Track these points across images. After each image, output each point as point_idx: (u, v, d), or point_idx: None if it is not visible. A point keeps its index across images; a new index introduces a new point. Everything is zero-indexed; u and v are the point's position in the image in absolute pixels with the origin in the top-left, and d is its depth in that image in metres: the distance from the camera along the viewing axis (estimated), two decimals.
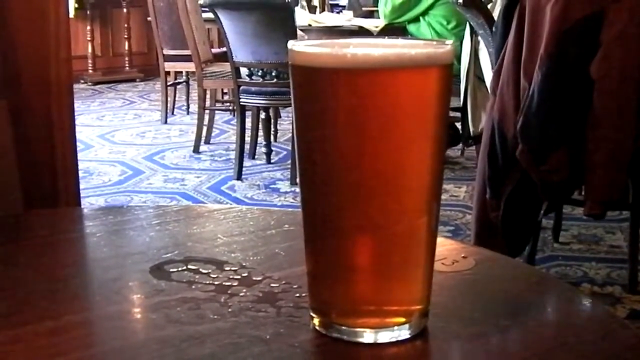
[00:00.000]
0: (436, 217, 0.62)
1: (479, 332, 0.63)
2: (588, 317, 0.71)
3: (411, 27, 4.67)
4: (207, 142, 5.22)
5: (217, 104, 5.80)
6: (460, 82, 3.56)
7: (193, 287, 0.71)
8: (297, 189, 3.90)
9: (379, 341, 0.60)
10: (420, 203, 0.61)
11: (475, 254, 0.80)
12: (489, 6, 3.28)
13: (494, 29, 2.73)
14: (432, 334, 0.62)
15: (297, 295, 0.68)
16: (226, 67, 4.49)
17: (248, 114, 4.57)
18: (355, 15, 5.39)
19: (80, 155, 1.55)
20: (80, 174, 1.31)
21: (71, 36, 1.26)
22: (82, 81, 8.17)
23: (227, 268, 0.75)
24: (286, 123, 5.57)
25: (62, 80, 1.20)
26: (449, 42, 0.61)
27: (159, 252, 0.80)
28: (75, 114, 1.25)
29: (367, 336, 0.60)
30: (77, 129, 1.27)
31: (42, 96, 1.19)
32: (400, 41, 0.63)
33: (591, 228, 3.42)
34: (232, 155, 4.57)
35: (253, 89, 4.18)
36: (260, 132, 4.69)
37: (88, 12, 8.29)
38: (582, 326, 0.68)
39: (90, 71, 8.34)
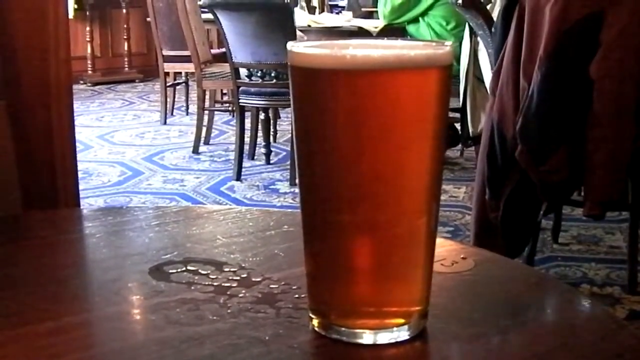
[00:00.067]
0: (435, 218, 0.62)
1: (478, 333, 0.63)
2: (587, 318, 0.71)
3: (410, 28, 4.68)
4: (207, 142, 5.23)
5: (217, 105, 5.81)
6: (459, 82, 3.56)
7: (192, 288, 0.71)
8: (297, 190, 3.89)
9: (378, 342, 0.60)
10: (420, 204, 0.61)
11: (474, 254, 0.80)
12: (488, 7, 3.29)
13: (493, 29, 2.73)
14: (431, 335, 0.62)
15: (297, 296, 0.68)
16: (225, 67, 4.49)
17: (247, 114, 4.57)
18: (355, 16, 5.39)
19: (79, 156, 1.55)
20: (80, 174, 1.31)
21: (70, 37, 1.26)
22: (81, 82, 8.17)
23: (227, 269, 0.75)
24: (285, 124, 5.58)
25: (62, 81, 1.20)
26: (448, 43, 0.61)
27: (158, 253, 0.80)
28: (75, 114, 1.25)
29: (367, 337, 0.60)
30: (77, 129, 1.27)
31: (42, 96, 1.19)
32: (399, 42, 0.63)
33: (591, 229, 3.42)
34: (232, 155, 4.57)
35: (252, 89, 4.18)
36: (260, 133, 4.69)
37: (87, 13, 8.30)
38: (582, 327, 0.68)
39: (90, 72, 8.34)
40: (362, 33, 4.56)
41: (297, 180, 3.70)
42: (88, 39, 8.29)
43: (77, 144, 1.28)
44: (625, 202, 2.60)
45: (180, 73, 6.19)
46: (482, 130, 2.71)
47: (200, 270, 0.75)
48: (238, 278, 0.73)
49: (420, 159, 0.60)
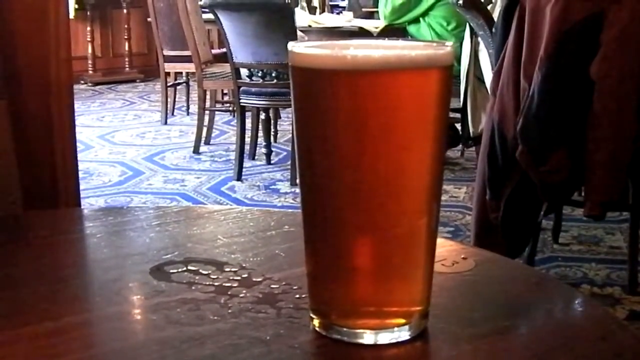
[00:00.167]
0: (436, 218, 0.62)
1: (479, 333, 0.63)
2: (587, 318, 0.71)
3: (411, 28, 4.68)
4: (207, 142, 5.23)
5: (217, 105, 5.81)
6: (460, 83, 3.56)
7: (193, 288, 0.71)
8: (297, 190, 3.90)
9: (379, 342, 0.60)
10: (420, 204, 0.61)
11: (475, 255, 0.80)
12: (488, 7, 3.29)
13: (493, 30, 2.73)
14: (432, 335, 0.62)
15: (297, 296, 0.68)
16: (226, 67, 4.49)
17: (248, 114, 4.57)
18: (355, 16, 5.39)
19: (80, 156, 1.54)
20: (80, 174, 1.31)
21: (71, 37, 1.26)
22: (82, 82, 8.17)
23: (227, 269, 0.75)
24: (286, 124, 5.58)
25: (62, 81, 1.20)
26: (449, 43, 0.61)
27: (159, 253, 0.80)
28: (75, 114, 1.25)
29: (367, 337, 0.60)
30: (77, 129, 1.27)
31: (42, 96, 1.19)
32: (400, 42, 0.63)
33: (591, 229, 3.42)
34: (232, 156, 4.57)
35: (253, 89, 4.18)
36: (260, 133, 4.70)
37: (88, 13, 8.30)
38: (582, 327, 0.68)
39: (91, 72, 8.34)
40: (362, 33, 4.57)
41: (297, 181, 3.70)
42: (89, 39, 8.29)
43: (78, 144, 1.28)
44: (625, 203, 2.60)
45: (181, 73, 6.19)
46: (482, 130, 2.71)
47: (201, 270, 0.75)
48: (239, 278, 0.73)
49: (420, 159, 0.60)
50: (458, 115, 3.67)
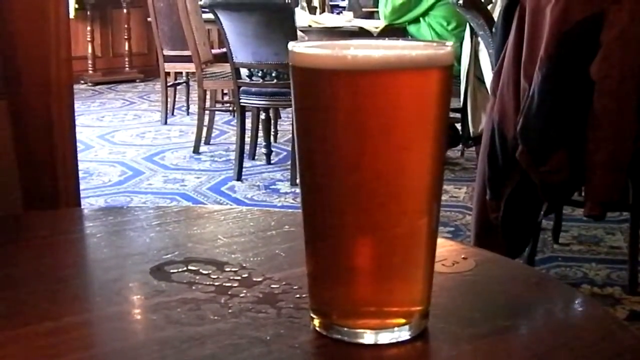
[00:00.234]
0: (436, 218, 0.62)
1: (479, 333, 0.63)
2: (587, 318, 0.71)
3: (411, 28, 4.68)
4: (207, 142, 5.23)
5: (217, 105, 5.81)
6: (460, 83, 3.56)
7: (193, 288, 0.71)
8: (297, 190, 3.90)
9: (379, 342, 0.60)
10: (421, 204, 0.61)
11: (475, 255, 0.80)
12: (489, 7, 3.29)
13: (494, 30, 2.73)
14: (432, 335, 0.62)
15: (298, 296, 0.68)
16: (226, 67, 4.49)
17: (248, 114, 4.57)
18: (356, 16, 5.39)
19: (80, 156, 1.54)
20: (80, 174, 1.31)
21: (71, 37, 1.26)
22: (82, 82, 8.17)
23: (228, 269, 0.75)
24: (286, 124, 5.58)
25: (62, 81, 1.20)
26: (449, 43, 0.61)
27: (159, 253, 0.80)
28: (76, 114, 1.25)
29: (368, 337, 0.60)
30: (77, 129, 1.27)
31: (42, 96, 1.19)
32: (400, 42, 0.63)
33: (591, 229, 3.42)
34: (232, 156, 4.57)
35: (253, 89, 4.18)
36: (260, 133, 4.70)
37: (88, 13, 8.30)
38: (582, 327, 0.68)
39: (90, 72, 8.34)
40: (363, 33, 4.57)
41: (297, 181, 3.70)
42: (89, 39, 8.29)
43: (78, 144, 1.28)
44: (625, 203, 2.60)
45: (181, 73, 6.20)
46: (482, 130, 2.71)
47: (201, 270, 0.75)
48: (239, 278, 0.73)
49: (421, 159, 0.60)
50: (458, 115, 3.67)
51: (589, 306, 0.73)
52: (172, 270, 0.75)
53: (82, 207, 1.64)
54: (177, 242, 0.86)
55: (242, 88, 4.20)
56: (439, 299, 0.66)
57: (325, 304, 0.62)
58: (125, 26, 8.48)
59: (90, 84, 8.24)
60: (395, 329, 0.61)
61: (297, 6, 5.04)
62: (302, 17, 4.76)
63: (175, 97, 6.33)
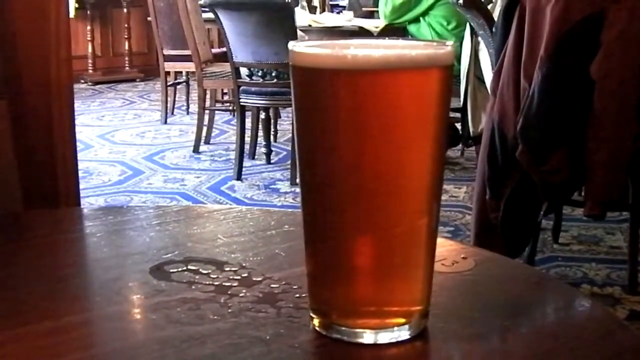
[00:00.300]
0: (436, 218, 0.62)
1: (478, 332, 0.63)
2: (587, 318, 0.71)
3: (411, 28, 4.68)
4: (207, 142, 5.23)
5: (217, 104, 5.81)
6: (460, 82, 3.56)
7: (193, 287, 0.71)
8: (297, 190, 3.90)
9: (379, 342, 0.60)
10: (421, 204, 0.61)
11: (475, 254, 0.80)
12: (489, 7, 3.29)
13: (494, 29, 2.73)
14: (432, 335, 0.62)
15: (297, 295, 0.68)
16: (226, 67, 4.49)
17: (248, 114, 4.57)
18: (356, 16, 5.39)
19: (80, 155, 1.55)
20: (80, 173, 1.31)
21: (71, 36, 1.26)
22: (82, 81, 8.17)
23: (227, 268, 0.75)
24: (286, 123, 5.58)
25: (62, 80, 1.20)
26: (450, 43, 0.61)
27: (159, 252, 0.80)
28: (75, 113, 1.25)
29: (367, 337, 0.60)
30: (77, 128, 1.27)
31: (42, 96, 1.19)
32: (400, 42, 0.63)
33: (591, 229, 3.42)
34: (232, 155, 4.57)
35: (253, 89, 4.18)
36: (260, 133, 4.70)
37: (88, 12, 8.30)
38: (582, 327, 0.68)
39: (91, 71, 8.34)
40: (363, 33, 4.57)
41: (297, 180, 3.70)
42: (89, 38, 8.29)
43: (78, 143, 1.28)
44: (625, 202, 2.60)
45: (181, 72, 6.19)
46: (482, 130, 2.71)
47: (201, 270, 0.75)
48: (239, 277, 0.73)
49: (421, 158, 0.60)
50: (458, 115, 3.67)
51: (589, 306, 0.73)
52: (171, 270, 0.75)
53: (82, 206, 1.64)
54: (177, 241, 0.86)
55: (242, 87, 4.19)
56: (439, 298, 0.66)
57: (324, 304, 0.62)
58: (125, 25, 8.48)
59: (90, 84, 8.24)
60: (395, 328, 0.61)
61: (297, 6, 5.04)
62: (302, 17, 4.76)
63: (175, 96, 6.33)
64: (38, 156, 1.19)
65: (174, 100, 6.33)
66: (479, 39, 3.31)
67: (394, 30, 4.60)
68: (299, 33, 4.50)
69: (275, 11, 3.96)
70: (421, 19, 4.62)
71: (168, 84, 5.99)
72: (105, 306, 0.69)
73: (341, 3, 7.60)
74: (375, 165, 0.59)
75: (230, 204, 3.83)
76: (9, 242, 0.86)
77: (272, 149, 4.76)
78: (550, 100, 2.20)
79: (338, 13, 6.31)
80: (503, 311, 0.68)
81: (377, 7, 5.46)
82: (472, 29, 3.43)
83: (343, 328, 0.61)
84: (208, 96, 5.39)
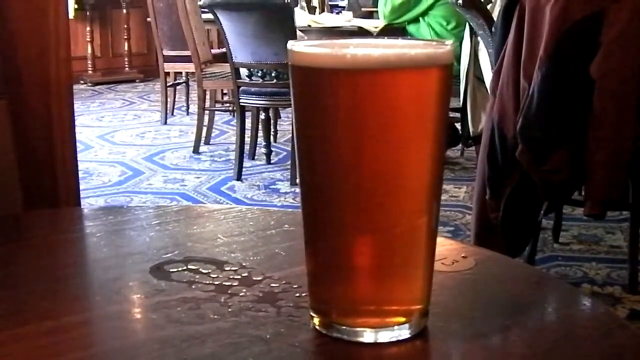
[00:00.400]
0: (436, 218, 0.62)
1: (479, 331, 0.63)
2: (588, 317, 0.71)
3: (411, 28, 4.68)
4: (207, 142, 5.23)
5: (217, 105, 5.81)
6: (460, 82, 3.56)
7: (193, 287, 0.71)
8: (297, 190, 3.90)
9: (379, 341, 0.60)
10: (420, 203, 0.61)
11: (475, 254, 0.80)
12: (488, 7, 3.29)
13: (493, 29, 2.73)
14: (432, 334, 0.62)
15: (297, 295, 0.68)
16: (226, 67, 4.49)
17: (248, 114, 4.57)
18: (355, 16, 5.39)
19: (80, 156, 1.55)
20: (80, 174, 1.31)
21: (71, 37, 1.26)
22: (81, 82, 8.17)
23: (227, 268, 0.75)
24: (286, 123, 5.58)
25: (62, 81, 1.20)
26: (449, 42, 0.61)
27: (159, 252, 0.80)
28: (75, 114, 1.25)
29: (368, 336, 0.60)
30: (77, 129, 1.27)
31: (42, 96, 1.19)
32: (400, 41, 0.63)
33: (591, 228, 3.42)
34: (232, 155, 4.57)
35: (253, 89, 4.18)
36: (260, 133, 4.69)
37: (87, 13, 8.30)
38: (582, 326, 0.68)
39: (90, 72, 8.34)
40: (362, 33, 4.57)
41: (297, 180, 3.70)
42: (88, 39, 8.29)
43: (78, 144, 1.28)
44: (625, 202, 2.60)
45: (181, 73, 6.19)
46: (482, 130, 2.71)
47: (201, 269, 0.75)
48: (239, 277, 0.73)
49: (420, 158, 0.60)
50: (458, 114, 3.67)
51: (590, 305, 0.73)
52: (172, 270, 0.75)
53: (82, 206, 1.64)
54: (177, 241, 0.86)
55: (241, 88, 4.20)
56: (439, 297, 0.66)
57: (325, 303, 0.62)
58: (125, 26, 8.48)
59: (89, 84, 8.24)
60: (395, 327, 0.61)
61: (297, 6, 5.04)
62: (301, 17, 4.76)
63: (175, 97, 6.33)
64: (38, 156, 1.20)
65: (174, 101, 6.33)
66: (479, 39, 3.31)
67: (393, 31, 4.60)
68: (299, 33, 4.50)
69: (274, 11, 3.96)
70: (420, 19, 4.62)
71: (168, 84, 5.99)
72: (105, 306, 0.69)
73: (340, 3, 7.60)
74: (375, 164, 0.59)
75: (230, 204, 3.83)
76: (9, 242, 0.86)
77: (272, 149, 4.76)
78: (550, 100, 2.20)
79: (337, 13, 6.30)
80: (503, 310, 0.68)
81: (376, 7, 5.46)
82: (471, 29, 3.43)
83: (343, 327, 0.61)
84: (208, 97, 5.39)
